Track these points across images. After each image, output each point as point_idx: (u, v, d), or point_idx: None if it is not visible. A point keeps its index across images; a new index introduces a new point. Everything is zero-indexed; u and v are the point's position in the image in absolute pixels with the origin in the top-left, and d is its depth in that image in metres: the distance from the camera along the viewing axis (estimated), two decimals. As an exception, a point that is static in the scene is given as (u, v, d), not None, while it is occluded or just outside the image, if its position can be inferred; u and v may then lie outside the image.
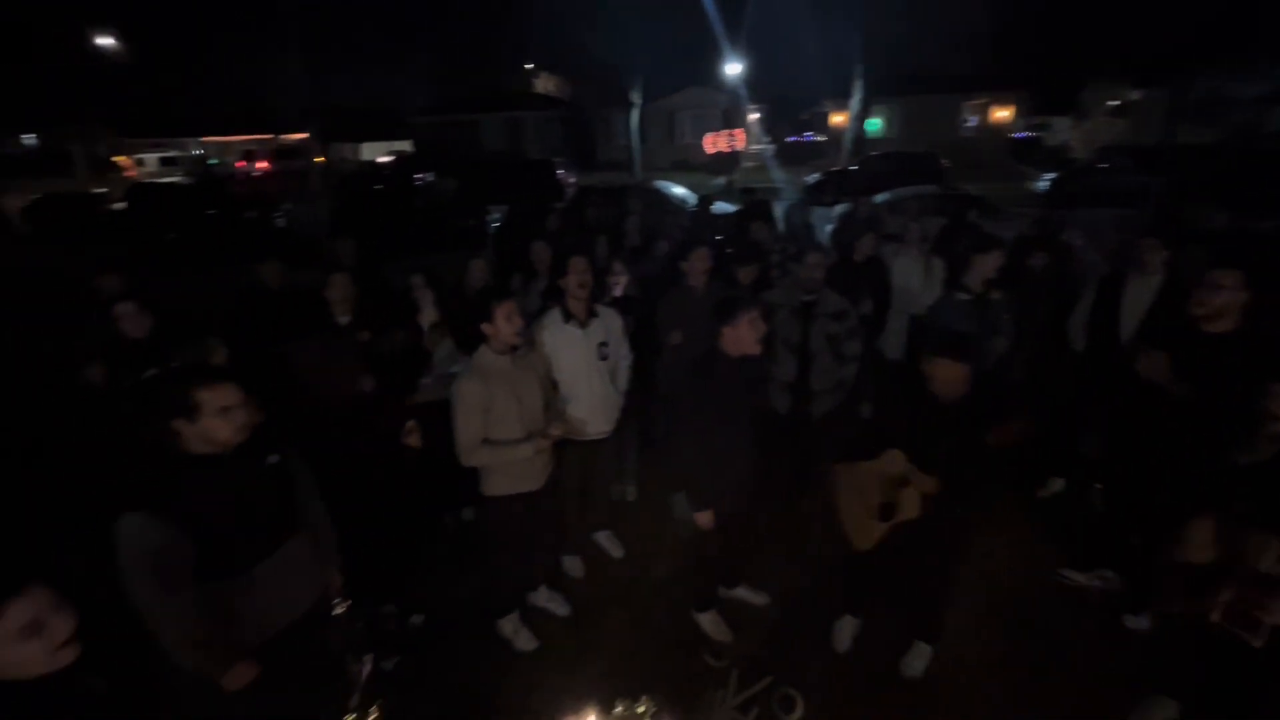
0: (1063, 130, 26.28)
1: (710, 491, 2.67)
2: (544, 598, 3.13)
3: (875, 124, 23.48)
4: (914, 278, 4.41)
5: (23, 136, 30.94)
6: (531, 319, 3.09)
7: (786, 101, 28.70)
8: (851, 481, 2.60)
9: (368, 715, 2.43)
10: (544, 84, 34.14)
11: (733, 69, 20.30)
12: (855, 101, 18.22)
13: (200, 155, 26.73)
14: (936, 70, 23.25)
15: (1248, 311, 2.50)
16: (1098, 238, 5.61)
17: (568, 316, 3.06)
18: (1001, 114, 24.40)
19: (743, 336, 2.58)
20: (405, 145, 31.84)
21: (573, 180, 16.45)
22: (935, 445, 2.35)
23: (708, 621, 2.98)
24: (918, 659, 2.79)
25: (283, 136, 32.94)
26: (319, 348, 3.04)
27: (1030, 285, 3.98)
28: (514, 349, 2.62)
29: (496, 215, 11.84)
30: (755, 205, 6.17)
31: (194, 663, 1.69)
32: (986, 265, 3.52)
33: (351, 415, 2.89)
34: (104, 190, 17.02)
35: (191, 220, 12.53)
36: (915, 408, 2.45)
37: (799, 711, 2.54)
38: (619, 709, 1.44)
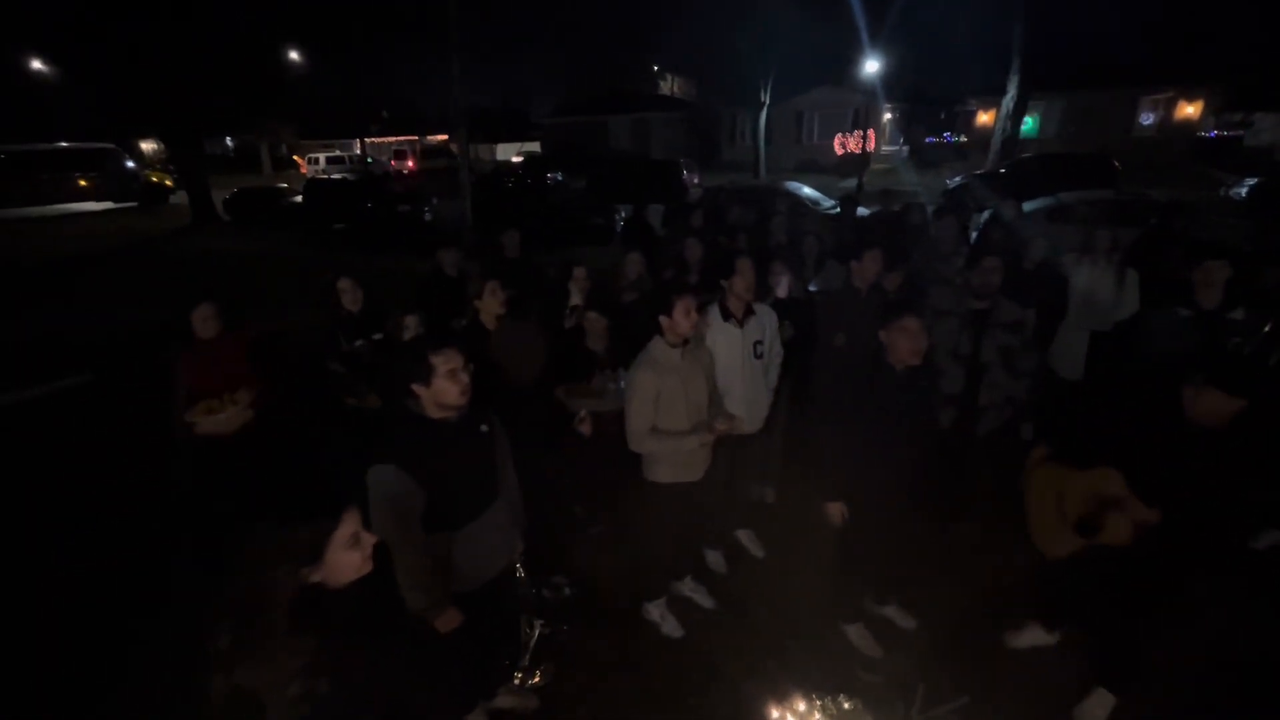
0: (1270, 128, 22.54)
1: (845, 487, 2.64)
2: (689, 588, 3.18)
3: (1030, 122, 21.44)
4: (1103, 290, 3.98)
5: (226, 139, 36.15)
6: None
7: (924, 100, 26.99)
8: (1051, 483, 2.46)
9: (534, 676, 2.61)
10: (669, 85, 34.54)
11: (870, 67, 19.38)
12: (1009, 98, 16.72)
13: (360, 154, 29.78)
14: (1108, 61, 20.83)
15: None
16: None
17: (727, 315, 3.08)
18: (1188, 110, 21.41)
19: (896, 344, 2.52)
20: (535, 146, 33.57)
21: (696, 181, 16.50)
22: (1169, 476, 2.14)
23: (855, 634, 2.89)
24: (1098, 708, 2.52)
25: (428, 137, 35.88)
26: (511, 329, 3.27)
27: (1268, 305, 3.46)
28: (685, 342, 2.68)
29: (624, 213, 12.17)
30: (908, 208, 5.86)
31: (419, 602, 1.89)
32: (1217, 276, 3.10)
33: (534, 395, 3.09)
34: (284, 185, 19.42)
35: (355, 212, 13.98)
36: (1157, 431, 2.25)
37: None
38: (820, 702, 1.43)
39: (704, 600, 3.16)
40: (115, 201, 19.57)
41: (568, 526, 3.39)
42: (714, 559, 3.45)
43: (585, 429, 2.70)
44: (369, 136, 31.20)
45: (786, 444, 3.89)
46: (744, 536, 3.61)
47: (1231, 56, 20.92)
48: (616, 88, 32.64)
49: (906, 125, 27.68)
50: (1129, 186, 11.72)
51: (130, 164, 20.52)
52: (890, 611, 3.08)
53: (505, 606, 2.37)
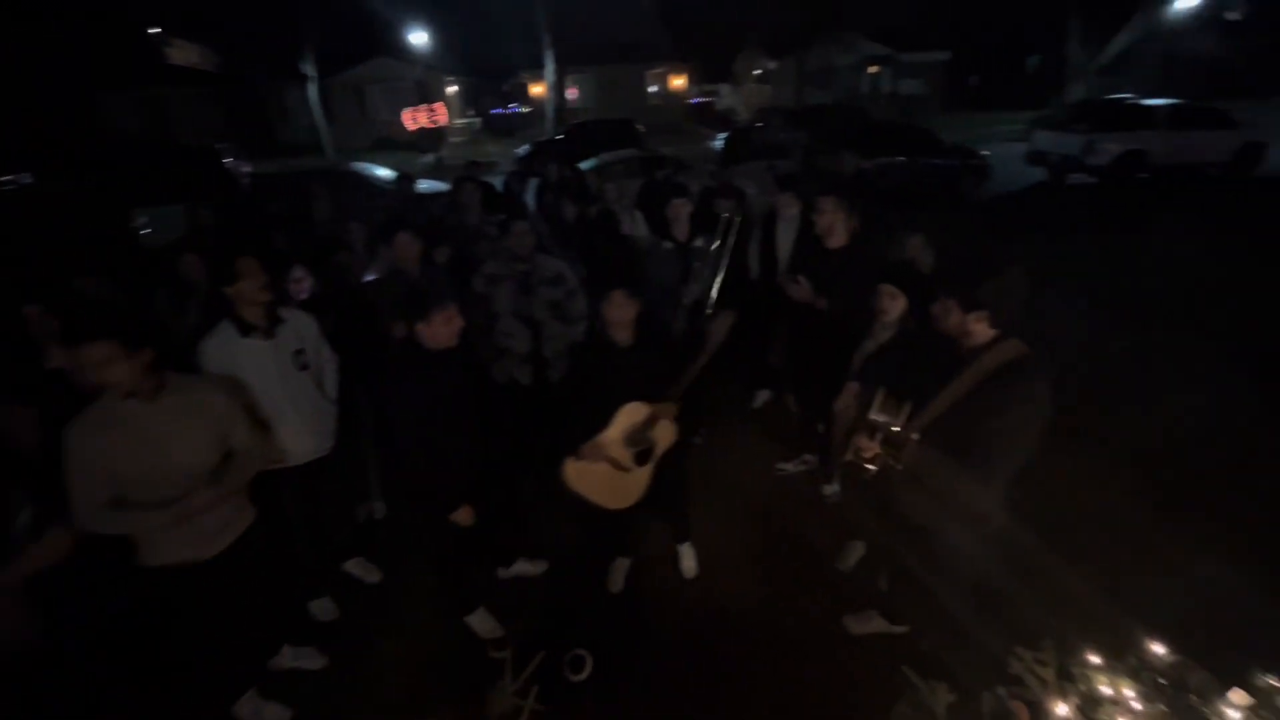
0: (728, 95, 30.58)
1: (444, 487, 2.52)
2: (290, 658, 2.68)
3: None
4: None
5: None
6: (193, 340, 2.51)
7: (486, 73, 28.07)
8: (592, 461, 2.64)
9: None
10: (182, 54, 27.82)
11: (418, 38, 19.02)
12: (549, 72, 18.59)
13: None
14: (620, 41, 24.93)
15: (854, 231, 3.18)
16: (763, 185, 6.69)
17: (246, 328, 2.55)
18: (678, 82, 27.33)
19: (438, 332, 2.42)
20: (-24, 137, 23.24)
21: (247, 169, 13.89)
22: (629, 393, 2.53)
23: (476, 621, 2.86)
24: (688, 559, 3.14)
25: None
26: None
27: (720, 230, 4.52)
28: (159, 389, 2.03)
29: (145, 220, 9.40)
30: (463, 179, 5.90)
31: None
32: (679, 212, 3.90)
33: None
34: None
35: None
36: (599, 363, 2.62)
37: (589, 668, 2.63)
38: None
39: (313, 662, 2.70)
40: None
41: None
42: (320, 608, 2.98)
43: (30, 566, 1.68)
44: None
45: (381, 449, 3.59)
46: (354, 566, 3.22)
47: (696, 39, 27.37)
48: (105, 56, 24.60)
49: (474, 97, 28.44)
50: (651, 146, 14.37)
51: None
52: (519, 567, 3.18)
53: None
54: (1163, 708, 1.23)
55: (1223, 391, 4.12)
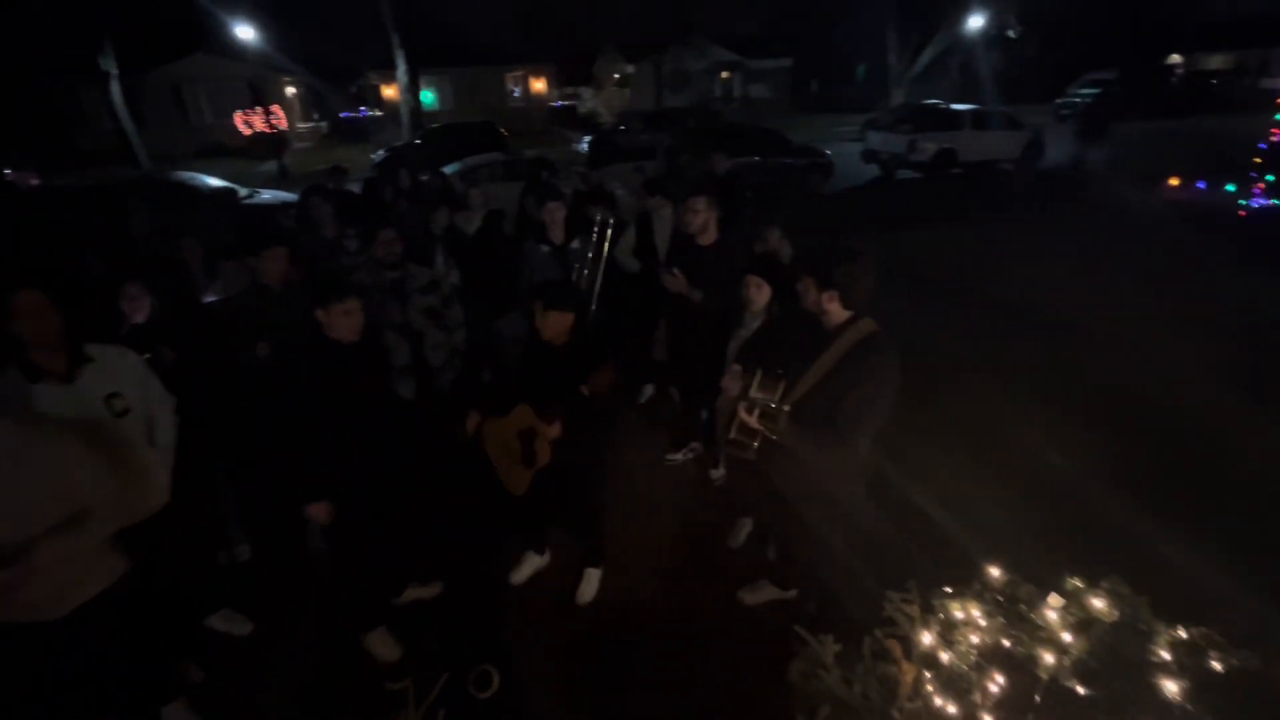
0: (589, 99, 30.85)
1: (324, 484, 2.43)
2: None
3: (429, 96, 23.34)
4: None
5: None
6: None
7: (330, 73, 26.00)
8: (495, 435, 2.71)
9: None
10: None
11: (245, 33, 17.25)
12: (402, 73, 17.67)
13: None
14: (477, 42, 24.27)
15: (721, 226, 3.37)
16: (630, 187, 6.85)
17: (36, 374, 2.10)
18: (538, 85, 27.16)
19: (336, 323, 2.40)
20: None
21: (35, 181, 11.88)
22: (551, 392, 2.56)
23: (376, 641, 2.72)
24: (589, 586, 3.06)
25: None
26: None
27: (596, 233, 4.57)
28: None
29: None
30: (311, 190, 5.45)
31: None
32: (554, 216, 3.90)
33: None
34: None
35: None
36: (530, 360, 2.64)
37: (496, 683, 2.57)
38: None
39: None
40: None
41: None
42: (192, 672, 2.65)
43: None
44: None
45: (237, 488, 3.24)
46: (219, 620, 2.88)
47: (555, 43, 27.29)
48: None
49: (319, 100, 26.29)
50: (515, 148, 14.16)
51: None
52: (411, 592, 3.03)
53: None
54: (1001, 620, 1.45)
55: (1028, 357, 4.87)
